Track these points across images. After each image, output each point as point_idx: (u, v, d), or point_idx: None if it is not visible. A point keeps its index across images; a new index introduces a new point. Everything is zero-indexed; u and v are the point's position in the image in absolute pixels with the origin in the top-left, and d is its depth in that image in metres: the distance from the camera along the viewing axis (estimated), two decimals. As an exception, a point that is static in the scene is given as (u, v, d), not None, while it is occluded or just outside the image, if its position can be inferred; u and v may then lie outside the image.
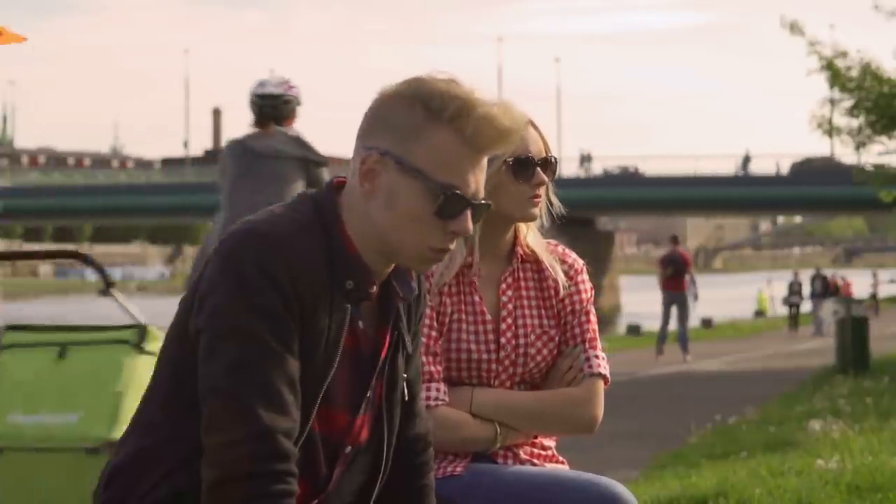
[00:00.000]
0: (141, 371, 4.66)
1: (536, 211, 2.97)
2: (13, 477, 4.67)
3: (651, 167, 70.46)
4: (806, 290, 34.55)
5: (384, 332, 2.42)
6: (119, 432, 4.41)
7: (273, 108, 6.94)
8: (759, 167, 69.15)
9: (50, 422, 4.66)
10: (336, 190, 2.39)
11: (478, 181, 2.32)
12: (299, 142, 6.81)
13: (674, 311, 21.57)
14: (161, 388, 2.34)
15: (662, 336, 22.02)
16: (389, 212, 2.30)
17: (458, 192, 2.28)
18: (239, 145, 6.91)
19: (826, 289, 33.95)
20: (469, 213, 2.31)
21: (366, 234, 2.33)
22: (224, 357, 2.20)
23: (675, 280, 21.38)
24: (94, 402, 4.63)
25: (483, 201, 2.34)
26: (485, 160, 2.34)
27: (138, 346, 4.74)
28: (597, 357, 3.00)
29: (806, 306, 35.74)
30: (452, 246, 2.34)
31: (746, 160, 69.03)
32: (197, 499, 2.24)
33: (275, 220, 2.29)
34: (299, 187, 6.51)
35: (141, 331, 4.79)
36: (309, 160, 6.77)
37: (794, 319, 33.49)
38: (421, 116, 2.29)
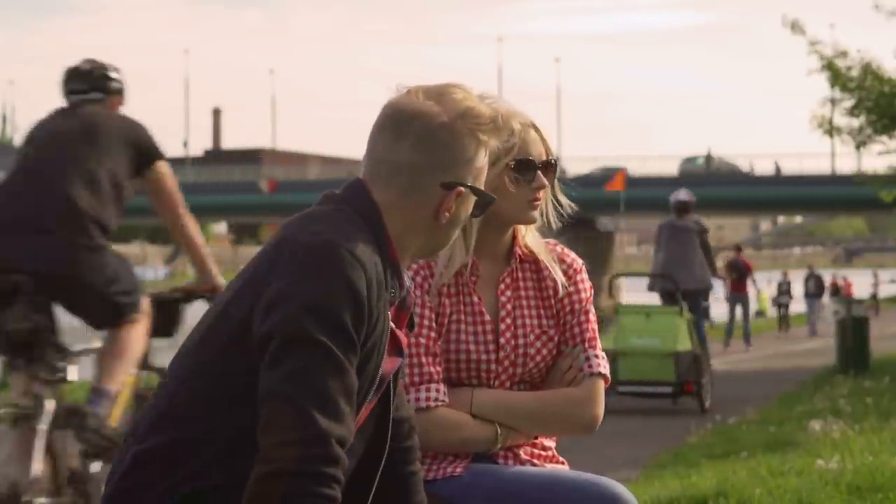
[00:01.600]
0: (682, 324, 12.35)
1: (536, 214, 2.96)
2: (629, 369, 12.19)
3: (650, 167, 70.43)
4: (797, 289, 34.30)
5: (405, 318, 2.52)
6: (680, 346, 12.21)
7: (687, 207, 13.70)
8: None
9: (648, 343, 12.27)
10: (365, 190, 2.44)
11: None
12: (697, 222, 13.61)
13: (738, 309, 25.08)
14: (201, 381, 2.36)
15: (729, 331, 24.83)
16: (453, 227, 2.48)
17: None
18: (670, 223, 13.55)
19: (820, 288, 33.77)
20: None
21: (414, 245, 2.46)
22: (288, 364, 2.24)
23: (739, 283, 25.00)
24: (666, 334, 12.18)
25: None
26: None
27: (680, 314, 12.40)
28: (597, 357, 3.00)
29: (798, 306, 35.47)
30: None
31: (708, 160, 68.98)
32: (228, 496, 2.27)
33: (344, 232, 2.35)
34: (696, 244, 13.42)
35: (680, 306, 12.56)
36: (702, 230, 13.56)
37: (783, 320, 33.24)
38: (490, 153, 2.53)
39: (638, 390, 12.36)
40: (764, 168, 69.38)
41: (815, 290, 33.36)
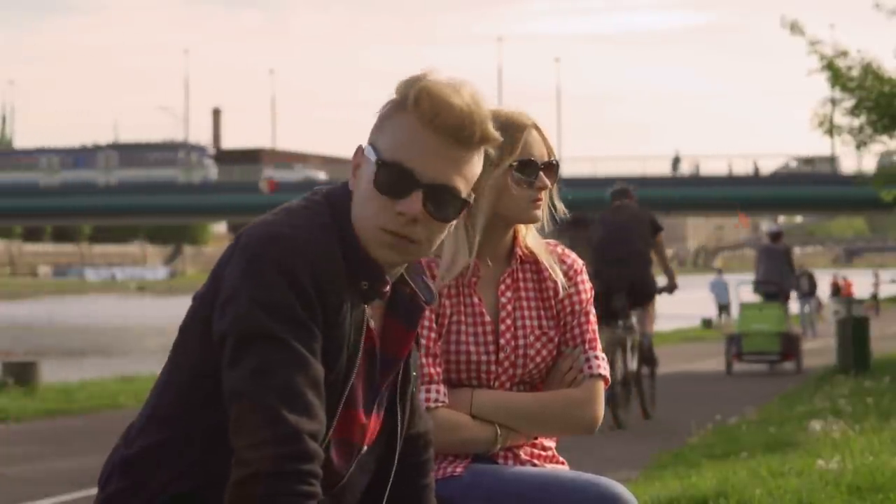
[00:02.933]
0: (783, 314, 18.70)
1: (538, 213, 2.96)
2: (750, 344, 18.54)
3: (650, 167, 70.41)
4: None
5: (404, 331, 2.44)
6: (783, 329, 18.50)
7: (779, 235, 19.38)
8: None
9: (762, 327, 18.44)
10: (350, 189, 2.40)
11: (439, 166, 2.30)
12: (785, 245, 19.47)
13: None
14: (180, 382, 2.35)
15: None
16: (356, 198, 2.34)
17: (403, 167, 2.29)
18: (767, 247, 19.23)
19: (812, 287, 33.57)
20: (420, 194, 2.29)
21: (362, 231, 2.33)
22: (248, 362, 2.21)
23: None
24: (773, 321, 18.25)
25: (450, 187, 2.30)
26: (461, 151, 2.31)
27: (780, 307, 18.63)
28: (596, 358, 3.00)
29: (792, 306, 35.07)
30: (407, 231, 2.30)
31: (676, 161, 68.87)
32: (217, 495, 2.25)
33: (295, 222, 2.29)
34: (784, 260, 19.08)
35: (783, 299, 18.96)
36: (787, 251, 19.26)
37: None
38: (391, 106, 2.35)
39: (756, 358, 18.77)
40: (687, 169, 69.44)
41: (808, 289, 33.17)
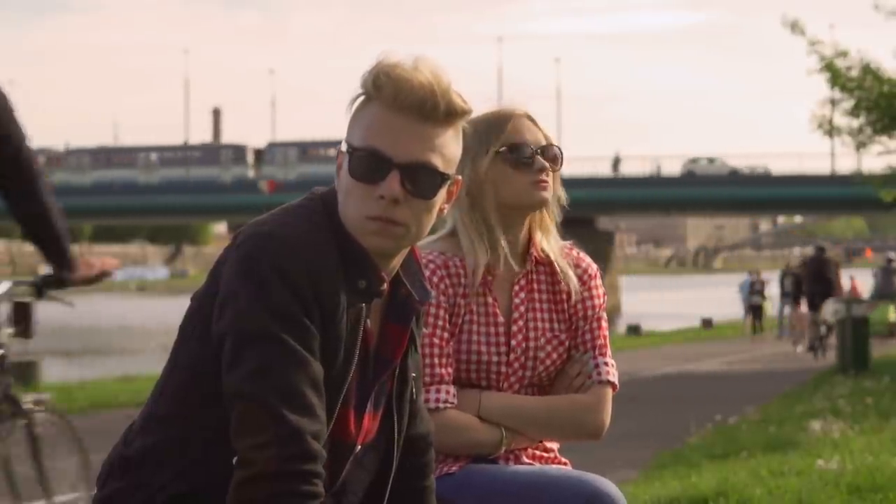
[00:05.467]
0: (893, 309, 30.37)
1: (543, 194, 2.93)
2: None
3: (649, 167, 70.35)
4: (772, 290, 33.16)
5: (399, 331, 2.44)
6: (891, 318, 29.95)
7: (893, 260, 33.26)
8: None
9: (881, 316, 29.07)
10: None
11: (410, 144, 2.29)
12: None
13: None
14: (180, 381, 2.35)
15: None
16: (340, 195, 2.34)
17: (375, 150, 2.29)
18: (886, 268, 32.75)
19: (798, 287, 33.03)
20: (396, 175, 2.28)
21: (350, 228, 2.34)
22: (248, 362, 2.21)
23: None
24: (886, 313, 29.40)
25: (425, 164, 2.29)
26: (429, 126, 2.30)
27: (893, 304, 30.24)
28: (606, 364, 2.99)
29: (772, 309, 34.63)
30: (388, 214, 2.29)
31: (617, 161, 68.57)
32: (210, 496, 2.26)
33: (289, 222, 2.30)
34: (893, 277, 32.41)
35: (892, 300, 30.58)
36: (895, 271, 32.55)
37: (756, 322, 31.76)
38: (359, 102, 2.35)
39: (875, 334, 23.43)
40: (635, 168, 69.23)
41: (792, 289, 32.64)
